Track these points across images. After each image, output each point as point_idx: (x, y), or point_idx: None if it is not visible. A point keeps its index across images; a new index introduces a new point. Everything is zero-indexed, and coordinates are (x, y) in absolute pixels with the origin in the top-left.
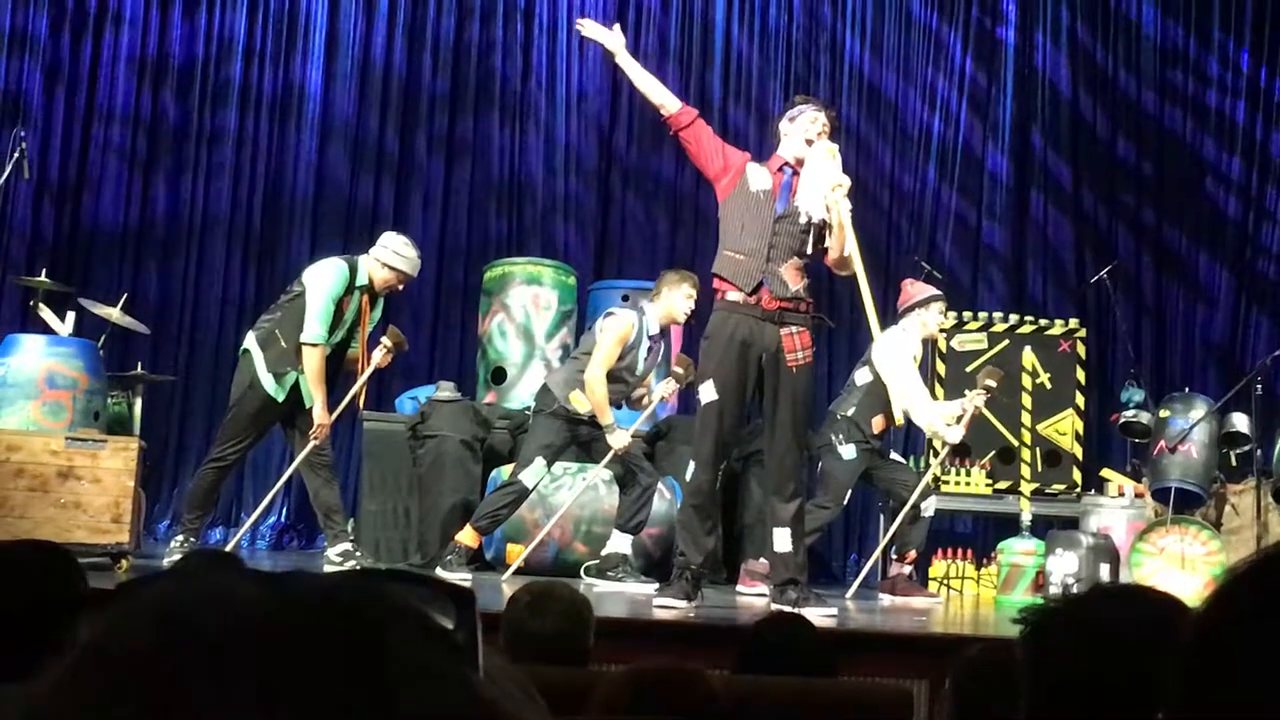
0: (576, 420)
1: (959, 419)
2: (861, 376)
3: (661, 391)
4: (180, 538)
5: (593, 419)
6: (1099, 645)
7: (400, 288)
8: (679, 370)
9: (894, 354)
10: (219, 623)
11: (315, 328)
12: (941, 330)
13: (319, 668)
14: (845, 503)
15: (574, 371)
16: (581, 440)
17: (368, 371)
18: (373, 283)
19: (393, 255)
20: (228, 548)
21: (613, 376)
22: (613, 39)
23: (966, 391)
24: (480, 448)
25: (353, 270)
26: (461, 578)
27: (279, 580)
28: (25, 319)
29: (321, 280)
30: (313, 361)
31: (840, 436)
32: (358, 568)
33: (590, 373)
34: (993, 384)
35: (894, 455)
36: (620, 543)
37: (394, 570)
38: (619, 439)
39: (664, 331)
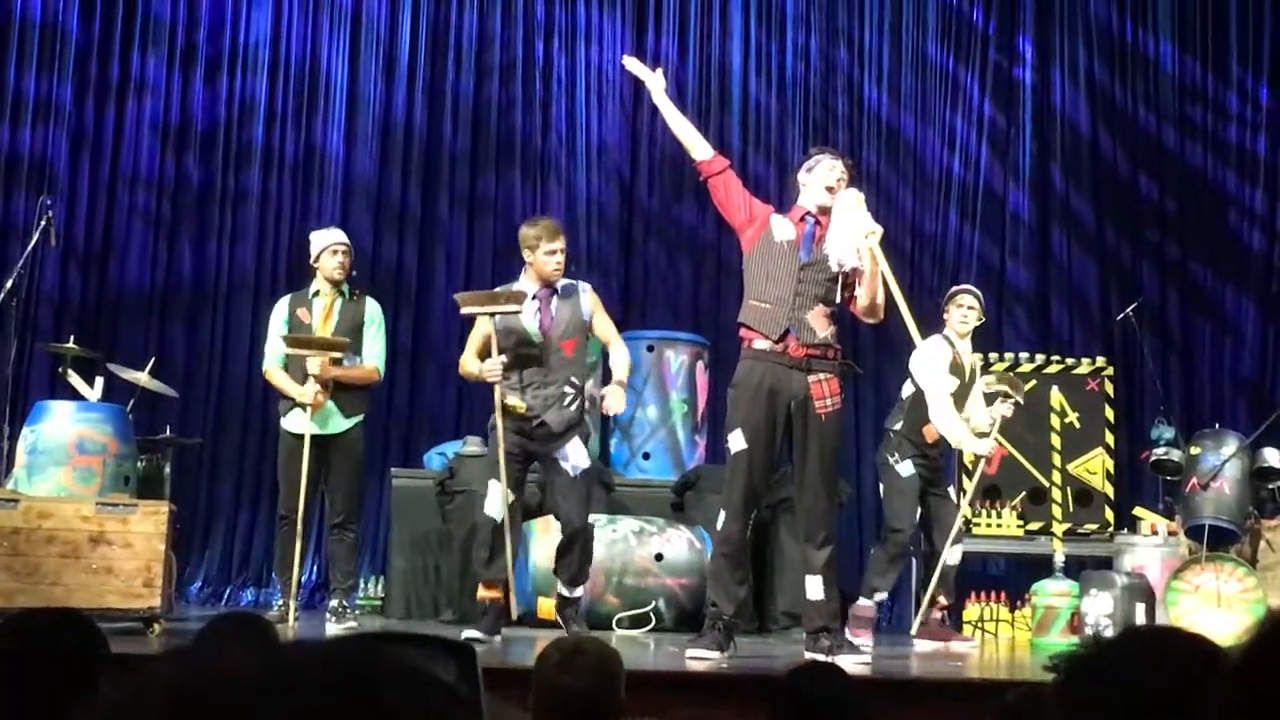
0: (516, 421)
1: (987, 431)
2: (906, 389)
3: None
4: (280, 600)
5: (527, 416)
6: (1131, 694)
7: (342, 261)
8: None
9: (922, 363)
10: (224, 697)
11: (266, 360)
12: (978, 324)
13: None
14: (917, 521)
15: None
16: (534, 440)
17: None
18: (326, 279)
19: (313, 246)
20: (291, 615)
21: (506, 350)
22: (654, 79)
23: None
24: None
25: (296, 294)
26: (471, 636)
27: (279, 652)
28: (54, 385)
29: (271, 318)
30: (273, 380)
31: (895, 454)
32: (351, 625)
33: (461, 363)
34: (1008, 389)
35: (951, 490)
36: (562, 588)
37: (391, 632)
38: (481, 367)
39: (555, 290)
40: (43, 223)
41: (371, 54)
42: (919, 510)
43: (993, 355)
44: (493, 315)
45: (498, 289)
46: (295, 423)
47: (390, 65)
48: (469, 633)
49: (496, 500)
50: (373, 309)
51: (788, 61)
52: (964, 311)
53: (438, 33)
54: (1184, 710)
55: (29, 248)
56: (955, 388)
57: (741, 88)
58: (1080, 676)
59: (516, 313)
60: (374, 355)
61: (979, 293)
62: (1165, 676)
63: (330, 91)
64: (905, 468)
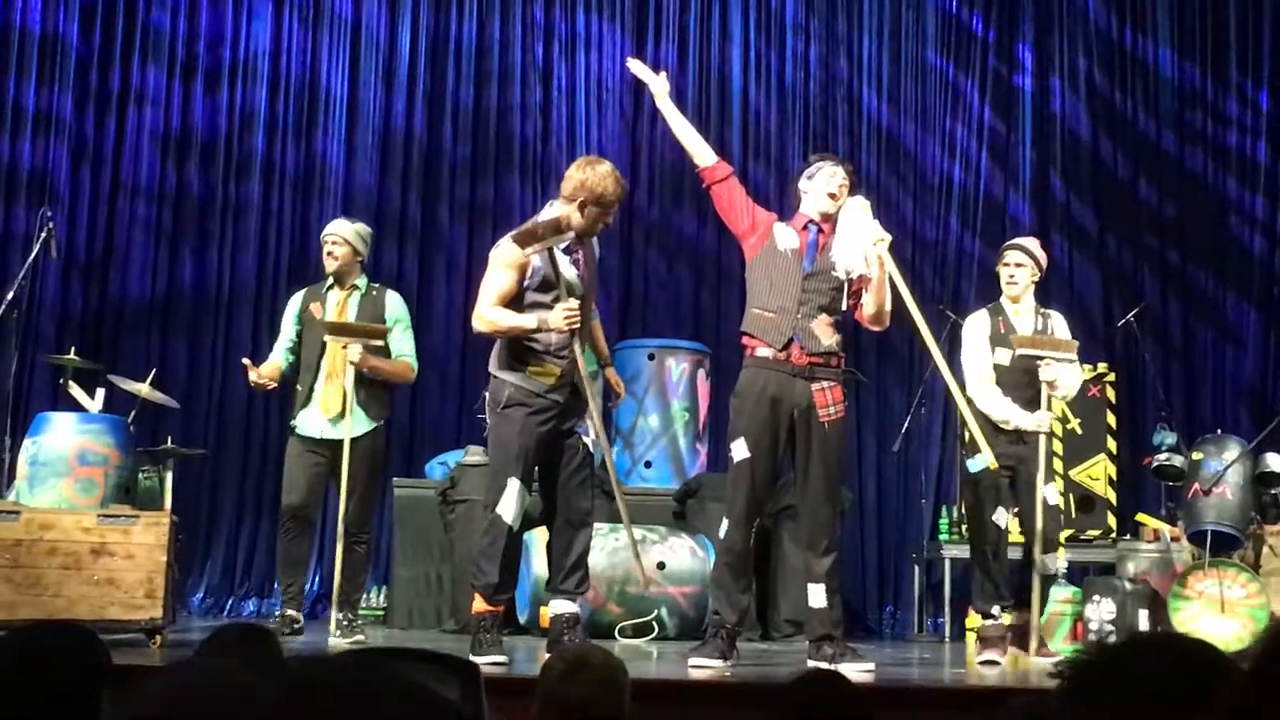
0: (541, 401)
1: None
2: None
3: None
4: (280, 608)
5: (557, 387)
6: (1135, 700)
7: (330, 251)
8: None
9: (965, 335)
10: (224, 712)
11: (274, 354)
12: (1033, 281)
13: None
14: (1001, 521)
15: (505, 341)
16: (558, 417)
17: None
18: (333, 274)
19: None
20: (298, 625)
21: (543, 306)
22: (658, 83)
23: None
24: None
25: (310, 288)
26: (492, 661)
27: (285, 668)
28: (55, 397)
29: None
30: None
31: (965, 449)
32: (359, 639)
33: (479, 310)
34: (1029, 351)
35: (1048, 492)
36: (563, 604)
37: (395, 648)
38: (557, 315)
39: (581, 240)
40: (43, 234)
41: (371, 64)
42: (997, 508)
43: None
44: (550, 250)
45: (530, 225)
46: (308, 425)
47: (390, 74)
48: (491, 658)
49: (514, 501)
50: (395, 305)
51: (787, 70)
52: (1009, 270)
53: (437, 41)
54: (1187, 715)
55: (30, 259)
56: (1010, 359)
57: (741, 96)
58: (1084, 683)
59: (563, 244)
60: (406, 353)
61: (1027, 245)
62: (1168, 682)
63: (330, 102)
64: (974, 463)
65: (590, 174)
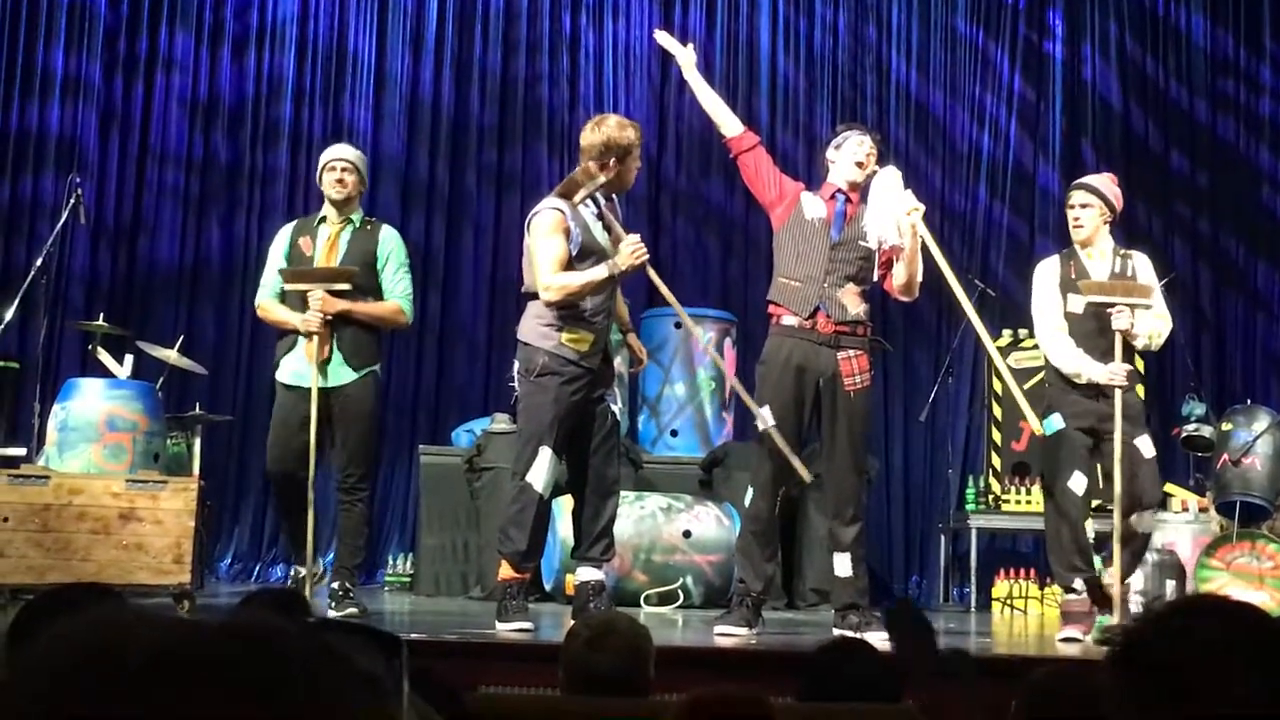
0: (574, 369)
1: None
2: None
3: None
4: (294, 570)
5: (590, 353)
6: (1195, 662)
7: (340, 178)
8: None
9: (1034, 283)
10: (130, 656)
11: (259, 293)
12: (1106, 222)
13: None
14: (1079, 488)
15: (538, 307)
16: (589, 385)
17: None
18: (331, 202)
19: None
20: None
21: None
22: (685, 54)
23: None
24: None
25: (301, 219)
26: (518, 628)
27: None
28: (85, 363)
29: (271, 247)
30: (267, 316)
31: (1047, 406)
32: (352, 611)
33: (546, 280)
34: (1098, 298)
35: (1141, 445)
36: (589, 571)
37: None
38: (625, 254)
39: (611, 199)
40: (72, 200)
41: (399, 30)
42: (1073, 472)
43: (1022, 331)
44: (594, 194)
45: (565, 182)
46: (290, 373)
47: (417, 41)
48: (516, 624)
49: (545, 470)
50: (389, 239)
51: (816, 37)
52: (1074, 213)
53: (464, 8)
54: (1243, 676)
55: (59, 226)
56: (1083, 306)
57: (770, 64)
58: (1138, 649)
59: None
60: (398, 294)
61: (1093, 183)
62: (1228, 645)
63: (358, 68)
64: (1051, 422)
65: (606, 132)
